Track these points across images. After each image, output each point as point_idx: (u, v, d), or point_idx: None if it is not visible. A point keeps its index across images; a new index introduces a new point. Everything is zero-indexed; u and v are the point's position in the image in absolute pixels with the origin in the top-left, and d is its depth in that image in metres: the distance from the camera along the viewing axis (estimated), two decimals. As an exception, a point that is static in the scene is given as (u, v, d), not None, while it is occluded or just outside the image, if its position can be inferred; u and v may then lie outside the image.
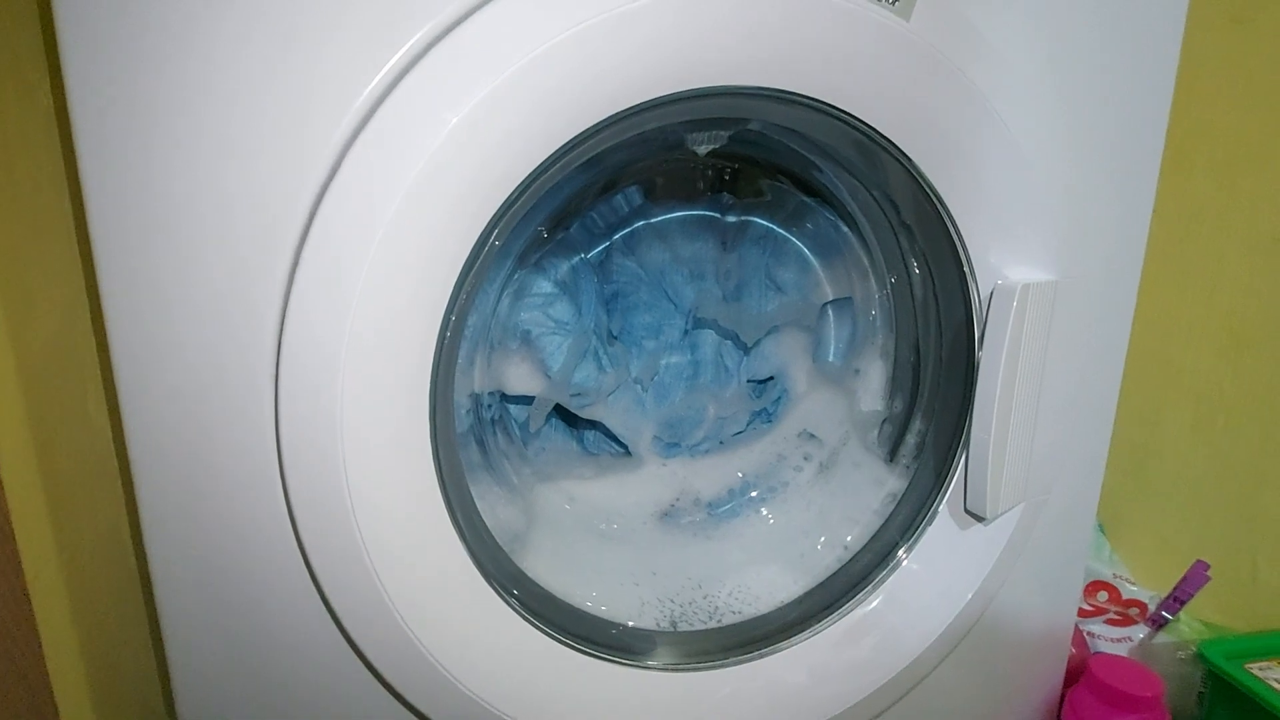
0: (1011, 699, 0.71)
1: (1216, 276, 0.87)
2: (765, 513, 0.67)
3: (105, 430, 0.66)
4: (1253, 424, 0.88)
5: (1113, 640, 0.94)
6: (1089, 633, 0.93)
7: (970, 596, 0.57)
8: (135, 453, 0.44)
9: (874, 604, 0.59)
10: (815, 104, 0.47)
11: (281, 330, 0.40)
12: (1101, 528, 0.99)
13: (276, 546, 0.44)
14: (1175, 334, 0.91)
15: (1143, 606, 0.95)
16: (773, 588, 0.61)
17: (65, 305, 0.62)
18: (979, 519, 0.56)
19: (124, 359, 0.42)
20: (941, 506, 0.59)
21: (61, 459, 0.64)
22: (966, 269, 0.54)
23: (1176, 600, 0.92)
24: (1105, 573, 0.96)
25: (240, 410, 0.42)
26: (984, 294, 0.54)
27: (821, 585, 0.61)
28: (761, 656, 0.55)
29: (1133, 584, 0.95)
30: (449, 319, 0.44)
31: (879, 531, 0.62)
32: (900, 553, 0.59)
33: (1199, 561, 0.91)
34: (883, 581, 0.59)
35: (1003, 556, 0.57)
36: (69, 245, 0.61)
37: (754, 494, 0.68)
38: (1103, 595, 0.95)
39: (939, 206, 0.52)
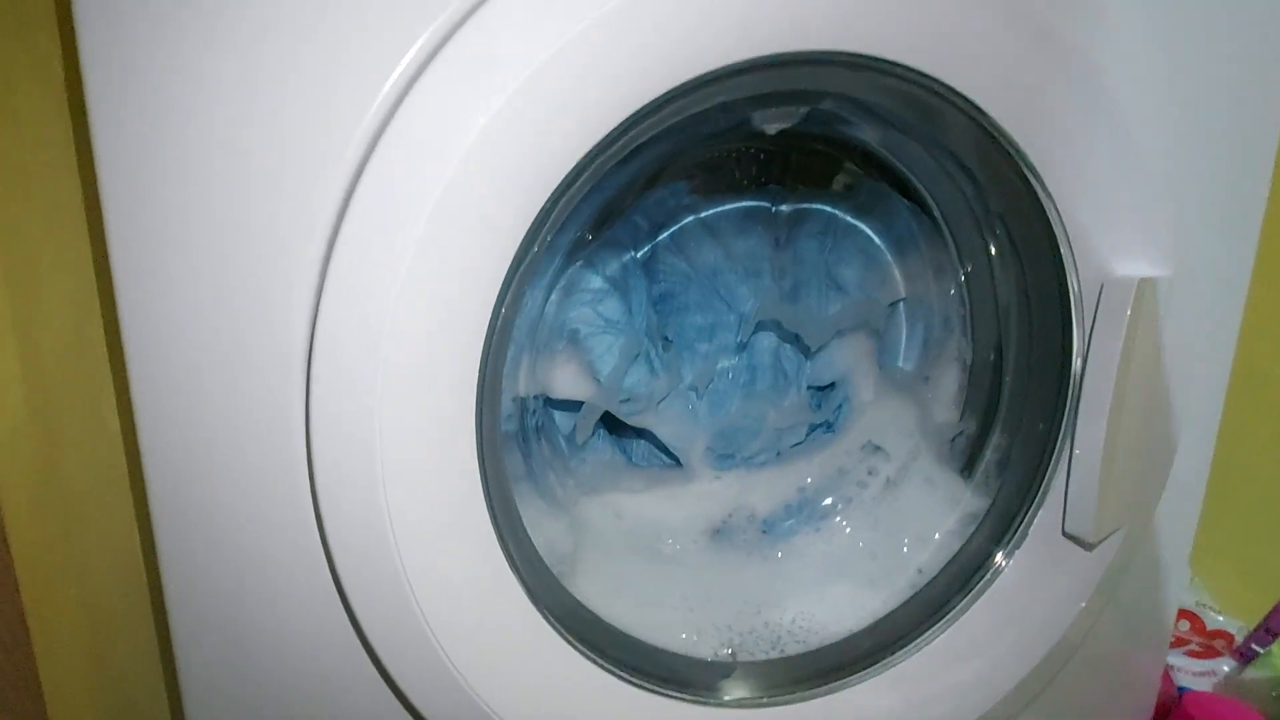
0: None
1: None
2: (826, 532, 0.61)
3: (119, 437, 0.62)
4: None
5: (1195, 674, 0.87)
6: (1169, 665, 0.86)
7: (1066, 628, 0.51)
8: (149, 462, 0.40)
9: (956, 635, 0.53)
10: (898, 70, 0.41)
11: (313, 332, 0.37)
12: (1182, 551, 0.92)
13: (304, 566, 0.40)
14: (1263, 343, 0.84)
15: (1229, 638, 0.87)
16: (840, 614, 0.55)
17: (77, 300, 0.59)
18: (1081, 544, 0.50)
19: (139, 362, 0.39)
20: (1031, 530, 0.53)
21: (71, 469, 0.60)
22: (1068, 262, 0.48)
23: (1268, 632, 0.85)
24: (1188, 600, 0.89)
25: (266, 418, 0.39)
26: (1087, 291, 0.49)
27: (895, 612, 0.55)
28: (839, 690, 0.50)
29: (1218, 613, 0.88)
30: (497, 316, 0.39)
31: (958, 555, 0.56)
32: (987, 577, 0.53)
33: (1293, 589, 0.84)
34: (966, 610, 0.54)
35: (1104, 580, 0.51)
36: (79, 234, 0.58)
37: (814, 511, 0.63)
38: (1184, 625, 0.88)
39: (1039, 191, 0.46)
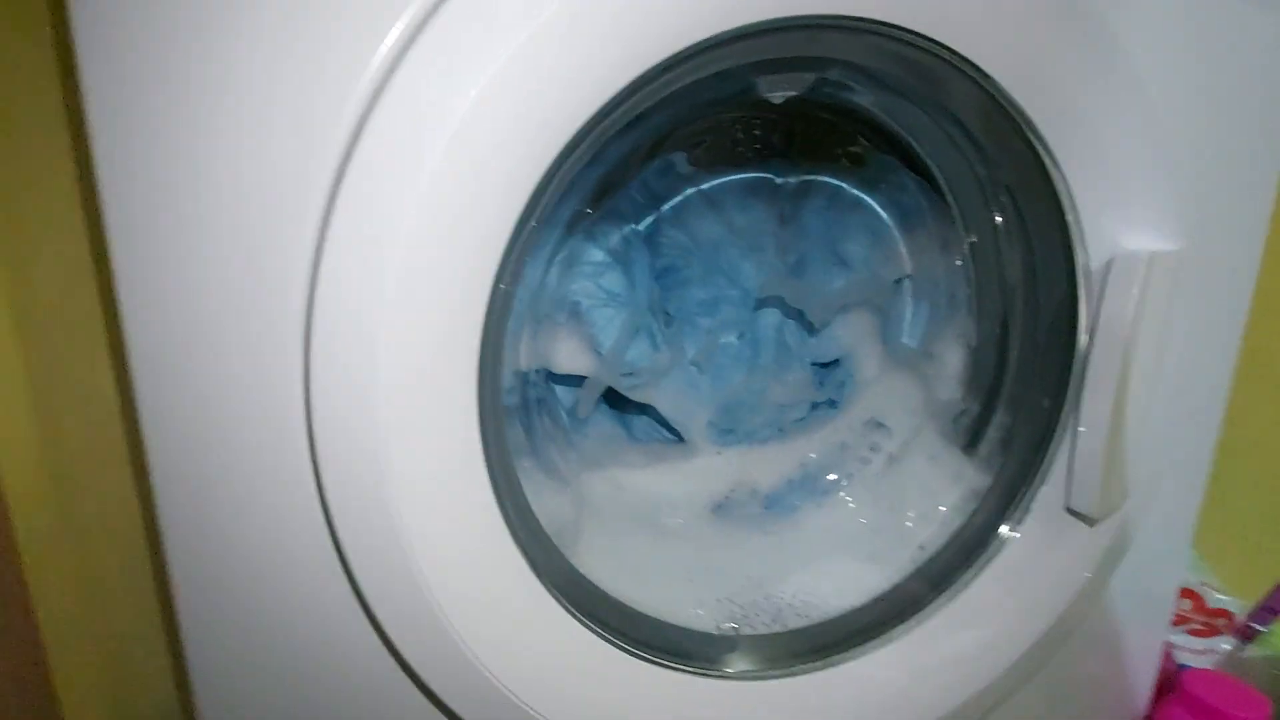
0: (1096, 713, 0.65)
1: None
2: (829, 508, 0.61)
3: (116, 407, 0.62)
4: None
5: (1195, 652, 0.87)
6: (1169, 643, 0.86)
7: (1067, 604, 0.51)
8: (149, 431, 0.40)
9: (957, 610, 0.53)
10: (903, 34, 0.40)
11: (311, 302, 0.36)
12: (1185, 530, 0.92)
13: (306, 537, 0.40)
14: (1265, 322, 0.82)
15: (1229, 616, 0.87)
16: (841, 588, 0.55)
17: (69, 263, 0.58)
18: (1084, 519, 0.50)
19: (137, 331, 0.38)
20: (1034, 505, 0.53)
21: (68, 437, 0.60)
22: (1076, 235, 0.47)
23: (1269, 610, 0.85)
24: (1190, 579, 0.88)
25: (265, 391, 0.38)
26: (1094, 264, 0.48)
27: (897, 587, 0.55)
28: (841, 662, 0.50)
29: (1219, 592, 0.88)
30: (497, 286, 0.39)
31: (960, 530, 0.56)
32: (988, 552, 0.53)
33: (1294, 569, 0.84)
34: (967, 585, 0.53)
35: (1106, 556, 0.51)
36: (70, 193, 0.57)
37: (816, 486, 0.62)
38: (1186, 603, 0.88)
39: (1047, 162, 0.46)
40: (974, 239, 0.56)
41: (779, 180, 0.60)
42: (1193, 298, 0.50)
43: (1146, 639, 0.64)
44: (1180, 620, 0.88)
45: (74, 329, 0.59)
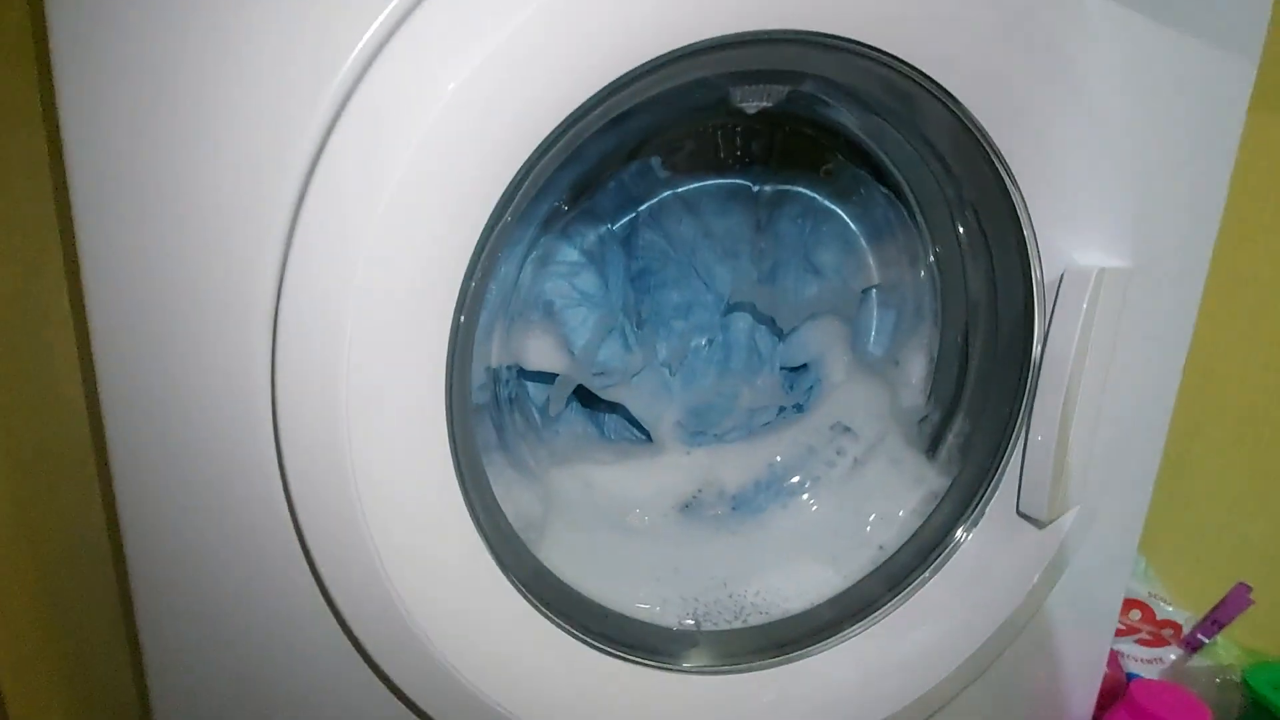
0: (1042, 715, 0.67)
1: (1270, 287, 0.82)
2: (793, 509, 0.63)
3: (79, 406, 0.62)
4: (1293, 445, 0.83)
5: (1143, 661, 0.90)
6: (1119, 652, 0.89)
7: (1017, 604, 0.53)
8: (111, 428, 0.39)
9: (912, 609, 0.55)
10: (873, 53, 0.42)
11: (279, 295, 0.36)
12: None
13: (272, 535, 0.40)
14: (1220, 343, 0.86)
15: (1177, 627, 0.90)
16: (802, 588, 0.57)
17: (28, 257, 0.57)
18: (1033, 522, 0.52)
19: (101, 322, 0.38)
20: (988, 509, 0.55)
21: (23, 437, 0.59)
22: (1033, 252, 0.49)
23: (1214, 623, 0.88)
24: (1140, 590, 0.91)
25: (231, 380, 0.38)
26: (1048, 280, 0.50)
27: (855, 586, 0.56)
28: (797, 659, 0.51)
29: (1168, 604, 0.91)
30: (468, 283, 0.39)
31: (918, 532, 0.58)
32: (944, 554, 0.55)
33: (1240, 584, 0.87)
34: (922, 585, 0.55)
35: (1053, 562, 0.53)
36: (38, 185, 0.56)
37: (782, 488, 0.64)
38: (1135, 614, 0.91)
39: (1008, 181, 0.48)
40: (939, 251, 0.58)
41: (755, 188, 0.61)
42: (1141, 313, 0.52)
43: (1091, 647, 0.66)
44: (1130, 630, 0.91)
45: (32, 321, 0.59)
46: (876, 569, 0.57)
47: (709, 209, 0.61)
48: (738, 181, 0.61)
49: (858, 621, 0.55)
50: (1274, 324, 0.82)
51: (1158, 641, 0.90)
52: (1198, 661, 0.88)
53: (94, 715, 0.68)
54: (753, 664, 0.52)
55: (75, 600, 0.65)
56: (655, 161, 0.57)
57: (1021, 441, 0.53)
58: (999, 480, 0.55)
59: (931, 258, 0.59)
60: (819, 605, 0.56)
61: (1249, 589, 0.87)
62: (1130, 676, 0.87)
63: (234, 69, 0.35)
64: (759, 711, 0.51)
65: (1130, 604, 0.91)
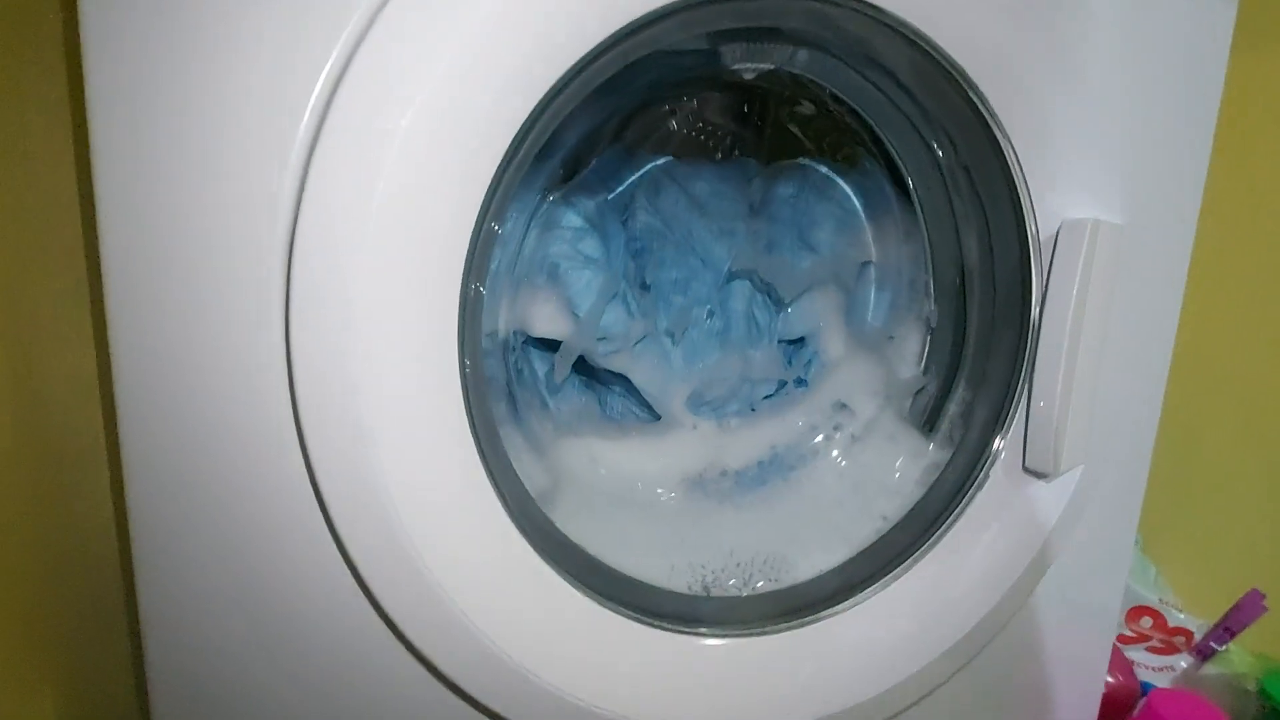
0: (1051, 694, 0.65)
1: (1275, 279, 0.82)
2: (795, 482, 0.62)
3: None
4: (1304, 443, 0.83)
5: (1154, 669, 0.88)
6: (1132, 660, 0.87)
7: (1031, 560, 0.52)
8: (123, 410, 0.40)
9: (918, 577, 0.54)
10: (875, 12, 0.44)
11: (290, 255, 0.37)
12: (1142, 546, 0.93)
13: (294, 508, 0.40)
14: (1224, 337, 0.86)
15: (1188, 635, 0.88)
16: (809, 557, 0.56)
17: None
18: (1040, 476, 0.51)
19: (119, 306, 0.39)
20: (995, 470, 0.54)
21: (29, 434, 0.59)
22: (1028, 209, 0.51)
23: (1227, 630, 0.86)
24: (1151, 598, 0.90)
25: (247, 350, 0.39)
26: (1044, 237, 0.51)
27: (863, 554, 0.56)
28: (809, 624, 0.50)
29: (1180, 611, 0.89)
30: (474, 248, 0.40)
31: (920, 502, 0.57)
32: (950, 519, 0.54)
33: (1253, 590, 0.85)
34: (927, 553, 0.54)
35: (1063, 517, 0.52)
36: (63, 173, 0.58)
37: (785, 463, 0.64)
38: (1147, 621, 0.89)
39: (1000, 138, 0.49)
40: (932, 220, 0.59)
41: (752, 167, 0.63)
42: (1133, 274, 0.53)
43: (1093, 646, 0.65)
44: (1141, 638, 0.89)
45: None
46: (881, 538, 0.57)
47: (705, 186, 0.63)
48: (735, 158, 0.63)
49: (867, 588, 0.54)
50: (1280, 326, 0.83)
51: (1169, 649, 0.88)
52: (1210, 669, 0.86)
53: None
54: (765, 629, 0.51)
55: (72, 602, 0.63)
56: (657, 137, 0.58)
57: (1024, 402, 0.53)
58: (1003, 444, 0.54)
59: (925, 228, 0.60)
60: (825, 574, 0.55)
61: (1263, 596, 0.85)
62: (1145, 687, 0.85)
63: (234, 51, 0.36)
64: (767, 675, 0.50)
65: (1141, 611, 0.89)
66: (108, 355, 0.40)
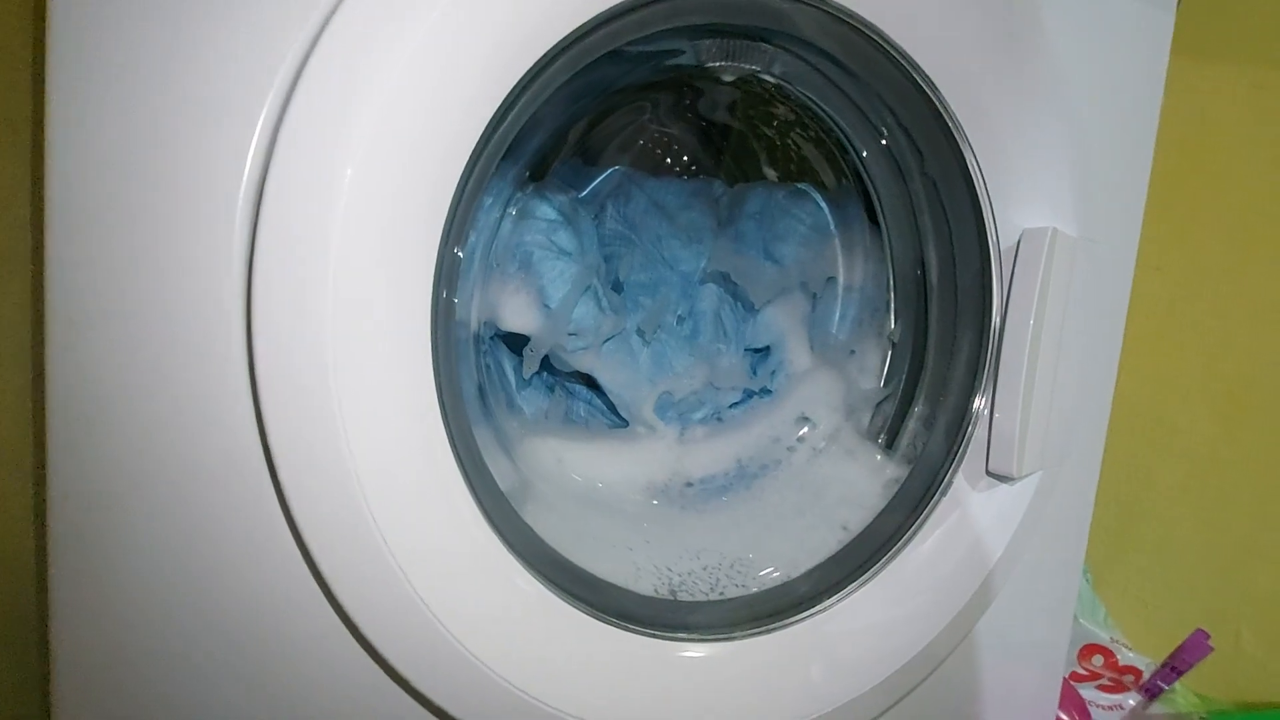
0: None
1: (1221, 338, 0.84)
2: (758, 490, 0.62)
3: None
4: (1245, 491, 0.85)
5: (1104, 708, 0.88)
6: (1086, 699, 0.87)
7: (995, 561, 0.52)
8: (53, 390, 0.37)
9: (880, 586, 0.53)
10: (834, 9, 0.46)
11: (253, 244, 0.35)
12: (1093, 585, 0.95)
13: (256, 509, 0.38)
14: (1172, 393, 0.89)
15: (1138, 673, 0.89)
16: (776, 563, 0.55)
17: None
18: (1003, 479, 0.52)
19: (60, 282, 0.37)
20: (956, 478, 0.55)
21: None
22: (989, 218, 0.53)
23: (1173, 670, 0.87)
24: (1102, 636, 0.90)
25: (205, 343, 0.37)
26: (1004, 247, 0.53)
27: (821, 565, 0.55)
28: (777, 630, 0.49)
29: (1130, 649, 0.90)
30: (448, 233, 0.39)
31: (883, 512, 0.57)
32: (913, 528, 0.54)
33: (1199, 630, 0.87)
34: (889, 562, 0.54)
35: (1024, 520, 0.53)
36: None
37: (746, 474, 0.63)
38: (1098, 659, 0.89)
39: (964, 148, 0.51)
40: (897, 234, 0.61)
41: (720, 183, 0.65)
42: (1093, 284, 0.55)
43: (1042, 679, 0.65)
44: (1092, 676, 0.89)
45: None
46: (843, 547, 0.56)
47: (674, 199, 0.64)
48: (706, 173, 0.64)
49: (829, 597, 0.53)
50: (1226, 378, 0.85)
51: (1119, 688, 0.88)
52: (1157, 709, 0.86)
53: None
54: (731, 634, 0.49)
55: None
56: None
57: (985, 409, 0.54)
58: (963, 452, 0.55)
59: (889, 242, 0.62)
60: (791, 580, 0.54)
61: (1208, 636, 0.86)
62: (1098, 726, 0.85)
63: (200, 31, 0.35)
64: (735, 679, 0.48)
65: (1093, 649, 0.90)
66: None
